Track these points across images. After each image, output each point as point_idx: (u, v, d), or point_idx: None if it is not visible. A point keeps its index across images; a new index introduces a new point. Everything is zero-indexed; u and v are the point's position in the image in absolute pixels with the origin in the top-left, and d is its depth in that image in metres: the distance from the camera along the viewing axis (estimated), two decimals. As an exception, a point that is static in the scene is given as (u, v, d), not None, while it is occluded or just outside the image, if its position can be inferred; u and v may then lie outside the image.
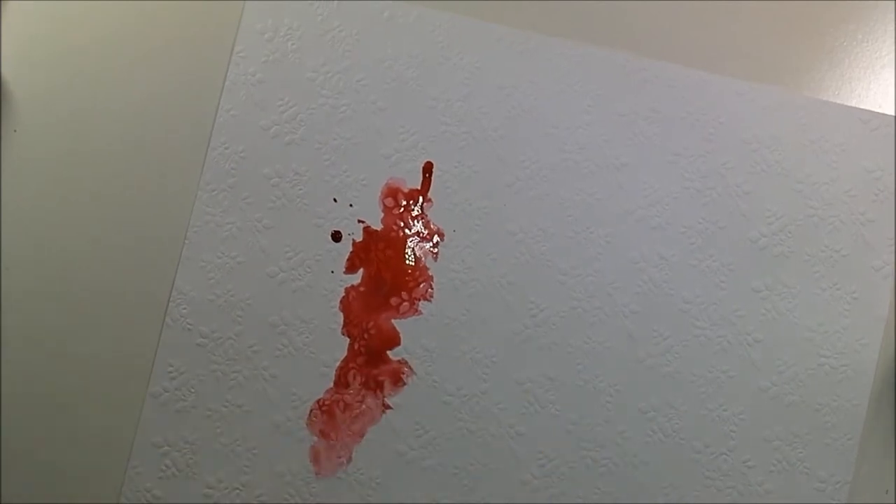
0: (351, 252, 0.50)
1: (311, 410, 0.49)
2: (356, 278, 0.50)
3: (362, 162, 0.51)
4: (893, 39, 0.53)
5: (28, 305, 0.49)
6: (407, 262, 0.50)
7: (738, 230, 0.51)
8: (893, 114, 0.52)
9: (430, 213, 0.51)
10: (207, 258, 0.50)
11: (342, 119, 0.51)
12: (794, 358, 0.50)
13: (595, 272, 0.50)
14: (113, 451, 0.48)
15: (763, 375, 0.50)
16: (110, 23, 0.51)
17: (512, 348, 0.50)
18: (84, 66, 0.51)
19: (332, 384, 0.49)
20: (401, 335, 0.50)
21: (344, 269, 0.50)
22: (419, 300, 0.50)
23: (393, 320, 0.50)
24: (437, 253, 0.50)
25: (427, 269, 0.50)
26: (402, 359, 0.49)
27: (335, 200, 0.50)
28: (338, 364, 0.49)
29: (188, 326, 0.49)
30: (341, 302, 0.50)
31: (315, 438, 0.49)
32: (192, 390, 0.49)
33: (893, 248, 0.51)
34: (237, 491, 0.48)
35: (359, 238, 0.50)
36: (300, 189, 0.50)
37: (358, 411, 0.49)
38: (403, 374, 0.49)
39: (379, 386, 0.49)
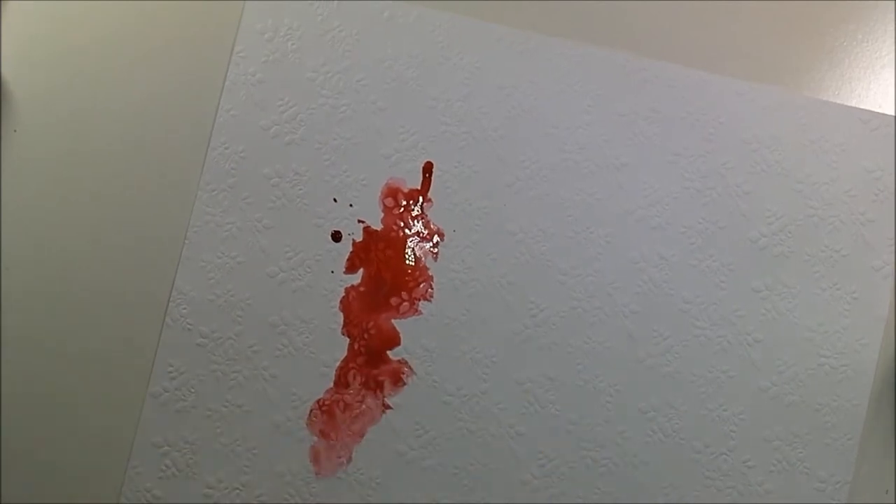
0: (351, 252, 0.50)
1: (311, 410, 0.49)
2: (356, 278, 0.50)
3: (362, 162, 0.51)
4: (893, 39, 0.53)
5: (28, 305, 0.49)
6: (407, 262, 0.50)
7: (738, 230, 0.51)
8: (893, 114, 0.52)
9: (430, 213, 0.51)
10: (207, 258, 0.50)
11: (342, 119, 0.51)
12: (794, 358, 0.50)
13: (595, 272, 0.50)
14: (113, 451, 0.48)
15: (763, 375, 0.50)
16: (110, 23, 0.51)
17: (512, 348, 0.50)
18: (84, 66, 0.51)
19: (332, 384, 0.49)
20: (401, 335, 0.50)
21: (344, 269, 0.50)
22: (419, 300, 0.50)
23: (393, 320, 0.50)
24: (437, 253, 0.50)
25: (427, 269, 0.50)
26: (402, 359, 0.49)
27: (335, 200, 0.50)
28: (338, 364, 0.49)
29: (188, 326, 0.49)
30: (341, 302, 0.50)
31: (315, 438, 0.49)
32: (192, 390, 0.49)
33: (893, 248, 0.51)
34: (237, 491, 0.48)
35: (359, 238, 0.50)
36: (300, 189, 0.50)
37: (358, 411, 0.49)
38: (403, 374, 0.49)
39: (379, 386, 0.49)
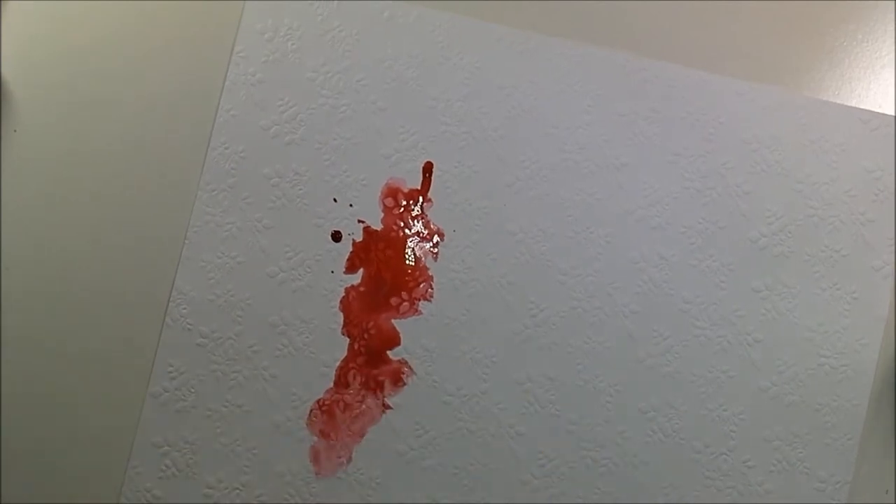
0: (351, 252, 0.50)
1: (311, 410, 0.49)
2: (356, 278, 0.50)
3: (362, 162, 0.51)
4: (893, 39, 0.53)
5: (28, 305, 0.49)
6: (407, 262, 0.50)
7: (738, 230, 0.51)
8: (893, 114, 0.52)
9: (430, 213, 0.51)
10: (207, 258, 0.50)
11: (342, 119, 0.51)
12: (794, 358, 0.50)
13: (595, 272, 0.50)
14: (113, 451, 0.48)
15: (763, 375, 0.50)
16: (110, 23, 0.51)
17: (512, 348, 0.50)
18: (84, 66, 0.51)
19: (332, 384, 0.49)
20: (401, 335, 0.50)
21: (344, 269, 0.50)
22: (419, 300, 0.50)
23: (393, 320, 0.50)
24: (437, 253, 0.50)
25: (427, 269, 0.50)
26: (402, 359, 0.49)
27: (335, 200, 0.50)
28: (338, 364, 0.49)
29: (188, 326, 0.49)
30: (341, 302, 0.50)
31: (315, 438, 0.49)
32: (192, 390, 0.49)
33: (893, 248, 0.51)
34: (237, 491, 0.48)
35: (359, 238, 0.50)
36: (300, 189, 0.50)
37: (358, 411, 0.49)
38: (403, 374, 0.49)
39: (379, 386, 0.49)
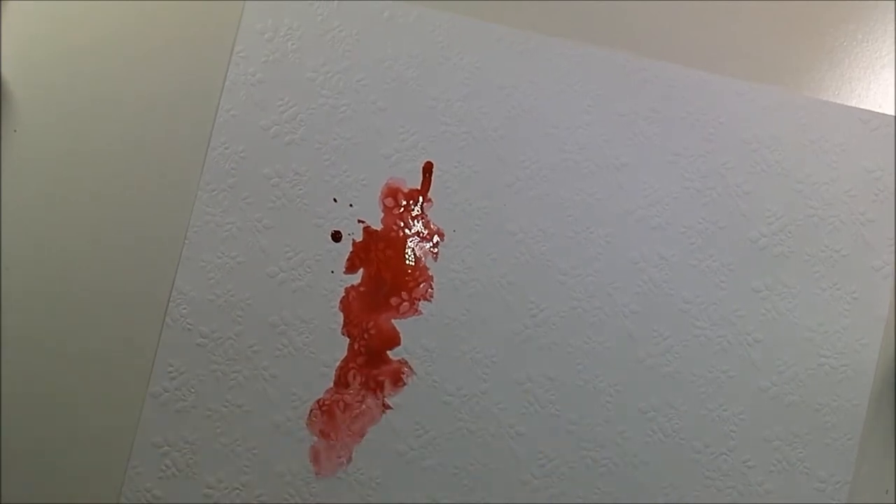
0: (351, 252, 0.50)
1: (311, 410, 0.49)
2: (356, 278, 0.50)
3: (362, 162, 0.51)
4: (893, 39, 0.53)
5: (28, 305, 0.49)
6: (407, 262, 0.50)
7: (738, 230, 0.51)
8: (893, 114, 0.52)
9: (430, 213, 0.51)
10: (207, 258, 0.50)
11: (342, 119, 0.51)
12: (794, 358, 0.50)
13: (595, 272, 0.50)
14: (113, 451, 0.48)
15: (763, 375, 0.50)
16: (110, 23, 0.51)
17: (512, 348, 0.50)
18: (84, 66, 0.51)
19: (332, 384, 0.49)
20: (401, 335, 0.50)
21: (344, 269, 0.50)
22: (419, 300, 0.50)
23: (393, 320, 0.50)
24: (437, 253, 0.50)
25: (427, 269, 0.50)
26: (402, 359, 0.49)
27: (335, 200, 0.50)
28: (338, 364, 0.49)
29: (188, 326, 0.49)
30: (341, 302, 0.50)
31: (315, 438, 0.49)
32: (192, 390, 0.49)
33: (893, 248, 0.51)
34: (237, 491, 0.48)
35: (359, 238, 0.50)
36: (300, 189, 0.50)
37: (358, 411, 0.49)
38: (403, 374, 0.49)
39: (379, 386, 0.49)
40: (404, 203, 0.51)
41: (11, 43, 0.51)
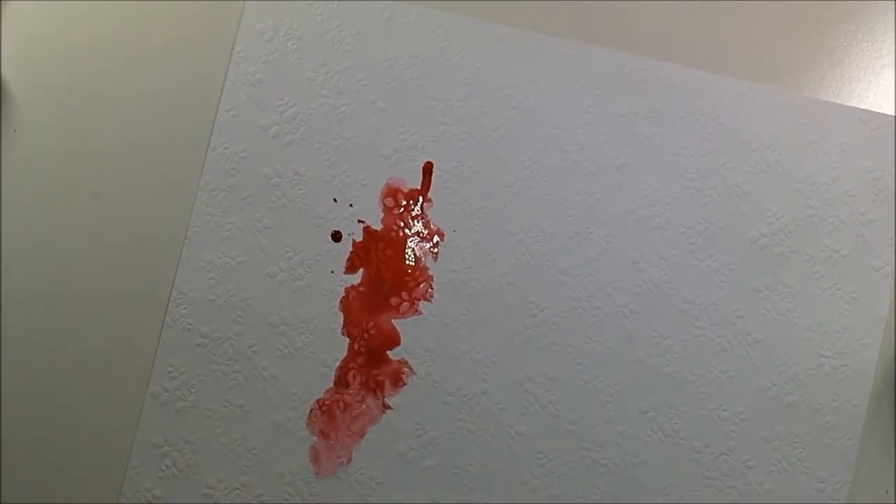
0: (351, 252, 0.50)
1: (311, 410, 0.49)
2: (356, 278, 0.50)
3: (362, 162, 0.51)
4: (893, 39, 0.53)
5: (28, 305, 0.49)
6: (407, 262, 0.50)
7: (738, 230, 0.51)
8: (893, 114, 0.52)
9: (430, 213, 0.51)
10: (207, 258, 0.50)
11: (342, 119, 0.51)
12: (794, 358, 0.50)
13: (595, 272, 0.50)
14: (113, 451, 0.48)
15: (763, 375, 0.50)
16: (110, 23, 0.51)
17: (512, 348, 0.50)
18: (84, 66, 0.51)
19: (332, 384, 0.49)
20: (401, 335, 0.50)
21: (344, 269, 0.50)
22: (419, 300, 0.50)
23: (393, 320, 0.50)
24: (437, 253, 0.50)
25: (427, 269, 0.50)
26: (402, 359, 0.49)
27: (335, 200, 0.50)
28: (338, 364, 0.49)
29: (188, 326, 0.49)
30: (341, 302, 0.50)
31: (315, 438, 0.49)
32: (192, 390, 0.49)
33: (893, 248, 0.51)
34: (237, 491, 0.48)
35: (359, 238, 0.50)
36: (300, 189, 0.50)
37: (358, 411, 0.49)
38: (403, 374, 0.49)
39: (379, 386, 0.49)
40: (404, 203, 0.51)
41: (11, 43, 0.51)
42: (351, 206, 0.50)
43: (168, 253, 0.50)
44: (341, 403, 0.49)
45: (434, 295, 0.50)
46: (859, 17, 0.53)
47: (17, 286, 0.49)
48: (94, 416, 0.48)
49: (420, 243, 0.50)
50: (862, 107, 0.52)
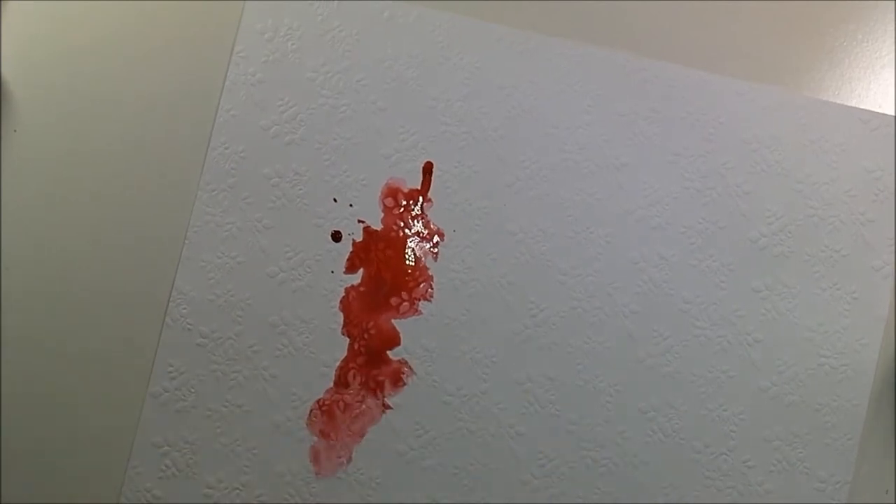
0: (351, 252, 0.50)
1: (311, 410, 0.49)
2: (356, 278, 0.50)
3: (362, 162, 0.51)
4: (893, 39, 0.53)
5: (28, 305, 0.49)
6: (407, 262, 0.50)
7: (738, 230, 0.51)
8: (893, 114, 0.52)
9: (430, 213, 0.51)
10: (207, 258, 0.50)
11: (342, 119, 0.51)
12: (794, 358, 0.50)
13: (595, 272, 0.50)
14: (113, 451, 0.48)
15: (763, 375, 0.50)
16: (110, 23, 0.51)
17: (512, 348, 0.50)
18: (84, 66, 0.51)
19: (332, 384, 0.49)
20: (401, 335, 0.50)
21: (344, 269, 0.50)
22: (419, 300, 0.50)
23: (393, 320, 0.50)
24: (437, 253, 0.50)
25: (427, 269, 0.50)
26: (402, 359, 0.49)
27: (335, 200, 0.50)
28: (338, 364, 0.49)
29: (188, 326, 0.49)
30: (341, 302, 0.50)
31: (315, 438, 0.49)
32: (192, 390, 0.49)
33: (893, 248, 0.51)
34: (237, 491, 0.48)
35: (359, 238, 0.50)
36: (300, 189, 0.50)
37: (358, 411, 0.49)
38: (403, 374, 0.49)
39: (379, 386, 0.49)
40: (404, 203, 0.51)
41: (11, 43, 0.51)
42: (351, 206, 0.50)
43: (168, 253, 0.50)
44: (341, 403, 0.49)
45: (434, 295, 0.50)
46: (859, 17, 0.53)
47: (17, 286, 0.49)
48: (94, 416, 0.48)
49: (420, 243, 0.50)
50: (862, 107, 0.52)
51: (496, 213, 0.51)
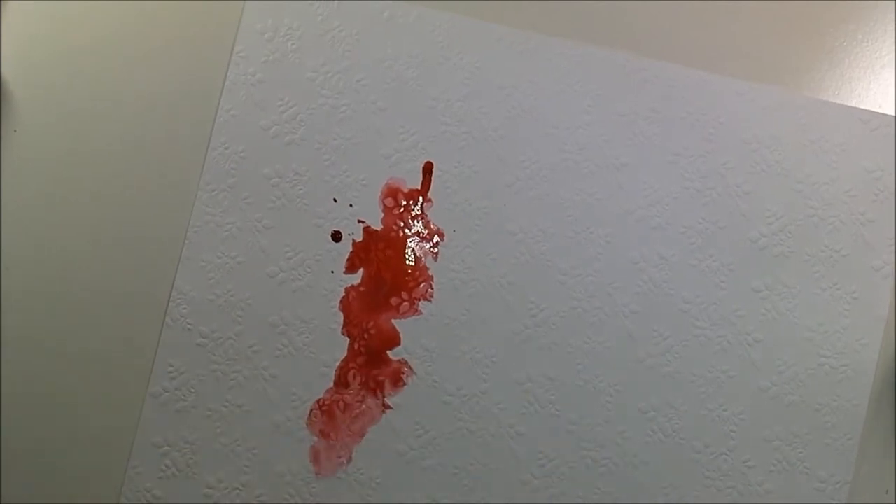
0: (351, 252, 0.50)
1: (311, 410, 0.49)
2: (356, 278, 0.50)
3: (362, 162, 0.51)
4: (893, 39, 0.53)
5: (28, 305, 0.49)
6: (407, 262, 0.50)
7: (738, 230, 0.51)
8: (893, 114, 0.52)
9: (430, 213, 0.51)
10: (207, 258, 0.50)
11: (342, 119, 0.51)
12: (794, 358, 0.50)
13: (595, 272, 0.50)
14: (113, 451, 0.48)
15: (763, 375, 0.50)
16: (110, 23, 0.51)
17: (512, 348, 0.50)
18: (84, 66, 0.51)
19: (332, 384, 0.49)
20: (401, 335, 0.50)
21: (344, 269, 0.50)
22: (419, 300, 0.50)
23: (393, 320, 0.50)
24: (437, 253, 0.50)
25: (427, 269, 0.50)
26: (402, 359, 0.49)
27: (335, 200, 0.50)
28: (338, 364, 0.49)
29: (188, 326, 0.49)
30: (341, 302, 0.50)
31: (315, 438, 0.49)
32: (192, 390, 0.49)
33: (893, 248, 0.51)
34: (237, 491, 0.48)
35: (359, 238, 0.50)
36: (300, 189, 0.50)
37: (358, 411, 0.49)
38: (403, 374, 0.49)
39: (379, 386, 0.49)
40: (404, 203, 0.51)
41: (11, 43, 0.51)
42: (351, 206, 0.50)
43: (168, 253, 0.50)
44: (341, 403, 0.49)
45: (434, 295, 0.50)
46: (859, 17, 0.53)
47: (17, 286, 0.49)
48: (94, 416, 0.48)
49: (420, 243, 0.50)
50: (862, 107, 0.52)
51: (496, 213, 0.51)
